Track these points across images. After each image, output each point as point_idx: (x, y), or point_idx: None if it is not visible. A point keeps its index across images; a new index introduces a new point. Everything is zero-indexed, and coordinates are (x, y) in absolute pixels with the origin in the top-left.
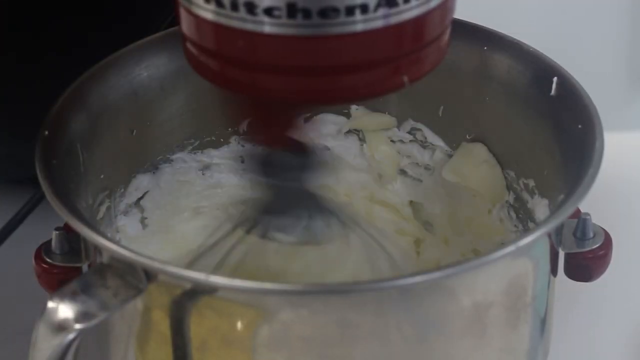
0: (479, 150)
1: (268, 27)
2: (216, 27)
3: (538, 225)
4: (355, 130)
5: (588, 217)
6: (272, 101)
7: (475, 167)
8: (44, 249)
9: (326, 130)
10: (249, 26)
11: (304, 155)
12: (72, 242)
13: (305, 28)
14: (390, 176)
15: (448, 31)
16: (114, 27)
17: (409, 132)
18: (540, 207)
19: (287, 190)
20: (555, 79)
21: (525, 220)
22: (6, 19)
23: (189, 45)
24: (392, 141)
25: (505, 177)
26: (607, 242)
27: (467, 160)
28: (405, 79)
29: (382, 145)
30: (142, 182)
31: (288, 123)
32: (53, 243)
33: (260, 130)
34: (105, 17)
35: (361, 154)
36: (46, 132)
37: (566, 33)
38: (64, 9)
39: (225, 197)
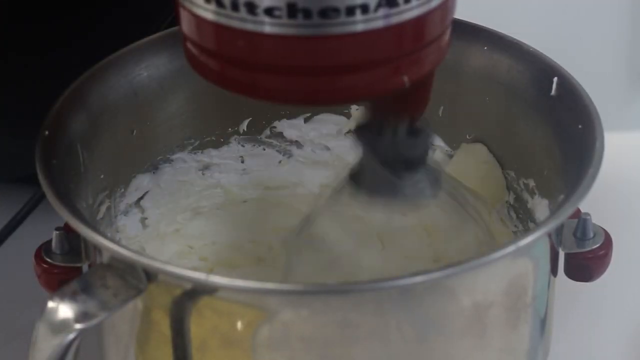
0: (479, 151)
1: (268, 27)
2: (216, 27)
3: (538, 225)
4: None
5: (588, 217)
6: (272, 101)
7: (476, 167)
8: (44, 249)
9: (326, 130)
10: (249, 26)
11: (417, 130)
12: (72, 242)
13: (306, 28)
14: None
15: (448, 31)
16: (115, 24)
17: None
18: (540, 207)
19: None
20: (555, 79)
21: (525, 220)
22: (6, 16)
23: (189, 45)
24: None
25: (505, 177)
26: (607, 242)
27: (468, 161)
28: (405, 79)
29: None
30: (142, 182)
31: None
32: (53, 243)
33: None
34: (105, 14)
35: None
36: (46, 132)
37: (566, 33)
38: (64, 7)
39: (225, 197)
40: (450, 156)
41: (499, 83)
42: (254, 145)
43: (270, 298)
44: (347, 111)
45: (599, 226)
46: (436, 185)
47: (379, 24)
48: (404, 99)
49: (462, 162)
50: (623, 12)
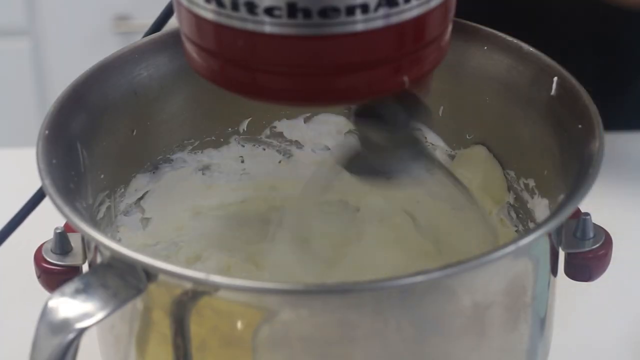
0: (480, 152)
1: (268, 27)
2: (216, 26)
3: (538, 225)
4: (355, 130)
5: (588, 217)
6: (272, 102)
7: (476, 168)
8: (44, 249)
9: (326, 130)
10: (250, 26)
11: (412, 106)
12: (72, 242)
13: (306, 28)
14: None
15: (448, 31)
16: None
17: None
18: (540, 207)
19: (391, 139)
20: (555, 79)
21: (525, 220)
22: None
23: (189, 45)
24: None
25: (506, 177)
26: (607, 242)
27: (468, 162)
28: (405, 79)
29: None
30: (142, 182)
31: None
32: (53, 243)
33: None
34: None
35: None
36: (46, 132)
37: None
38: None
39: (225, 197)
40: (450, 156)
41: (499, 83)
42: (254, 145)
43: (270, 298)
44: (347, 111)
45: (599, 226)
46: (424, 162)
47: (379, 23)
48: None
49: (463, 163)
50: None
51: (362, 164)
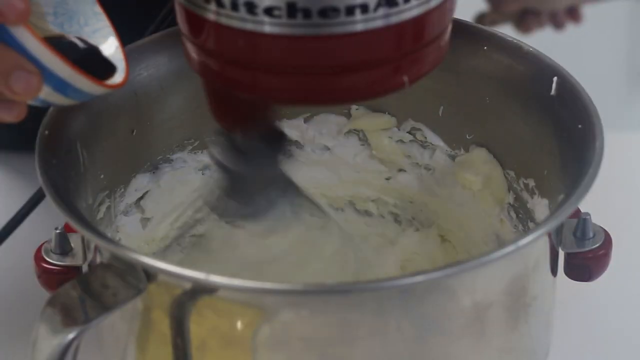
0: (480, 154)
1: (268, 27)
2: (216, 27)
3: (538, 225)
4: (355, 130)
5: (588, 217)
6: (272, 102)
7: (478, 171)
8: (44, 249)
9: (326, 130)
10: (249, 26)
11: (274, 140)
12: (72, 242)
13: (306, 28)
14: (392, 173)
15: (448, 31)
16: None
17: (409, 132)
18: (540, 207)
19: (254, 176)
20: (555, 79)
21: (525, 220)
22: None
23: (188, 45)
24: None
25: (506, 177)
26: (607, 242)
27: (470, 165)
28: (405, 79)
29: (384, 141)
30: (142, 182)
31: (263, 114)
32: (53, 243)
33: (232, 116)
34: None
35: (361, 153)
36: (46, 132)
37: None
38: None
39: None
40: (450, 156)
41: (499, 83)
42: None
43: (270, 298)
44: (347, 111)
45: (599, 226)
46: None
47: (378, 23)
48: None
49: (464, 164)
50: (623, 12)
51: (228, 205)
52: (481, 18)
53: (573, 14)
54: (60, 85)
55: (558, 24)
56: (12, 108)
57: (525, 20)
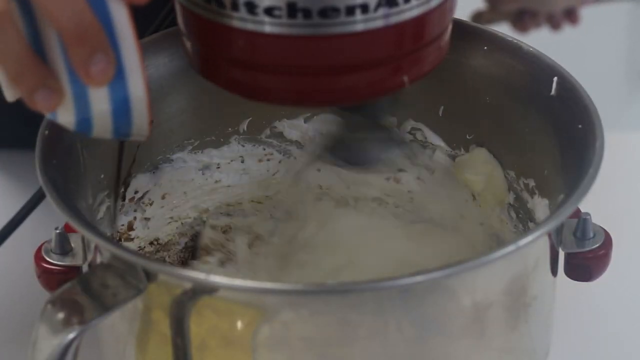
0: (480, 154)
1: (268, 27)
2: (216, 27)
3: (538, 225)
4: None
5: (588, 217)
6: (272, 102)
7: (478, 171)
8: (44, 249)
9: (326, 130)
10: (250, 26)
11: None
12: (72, 242)
13: (306, 28)
14: (392, 173)
15: (448, 31)
16: None
17: (409, 132)
18: (540, 207)
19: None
20: (555, 79)
21: (525, 220)
22: None
23: (188, 45)
24: None
25: (506, 177)
26: (607, 242)
27: (470, 165)
28: (405, 79)
29: None
30: (142, 182)
31: None
32: (53, 243)
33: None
34: None
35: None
36: (46, 132)
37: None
38: None
39: (225, 197)
40: (450, 156)
41: (499, 83)
42: (254, 145)
43: (270, 298)
44: (346, 111)
45: (599, 226)
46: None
47: (378, 23)
48: None
49: (464, 164)
50: (623, 12)
51: (344, 150)
52: (478, 16)
53: (570, 15)
54: (122, 105)
55: (555, 25)
56: (51, 98)
57: (522, 20)
